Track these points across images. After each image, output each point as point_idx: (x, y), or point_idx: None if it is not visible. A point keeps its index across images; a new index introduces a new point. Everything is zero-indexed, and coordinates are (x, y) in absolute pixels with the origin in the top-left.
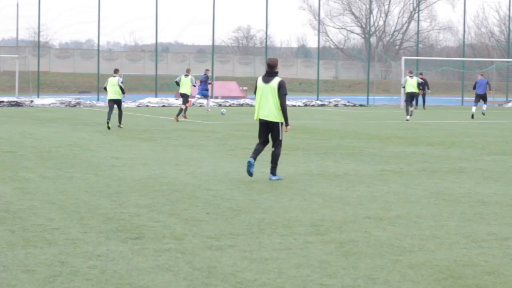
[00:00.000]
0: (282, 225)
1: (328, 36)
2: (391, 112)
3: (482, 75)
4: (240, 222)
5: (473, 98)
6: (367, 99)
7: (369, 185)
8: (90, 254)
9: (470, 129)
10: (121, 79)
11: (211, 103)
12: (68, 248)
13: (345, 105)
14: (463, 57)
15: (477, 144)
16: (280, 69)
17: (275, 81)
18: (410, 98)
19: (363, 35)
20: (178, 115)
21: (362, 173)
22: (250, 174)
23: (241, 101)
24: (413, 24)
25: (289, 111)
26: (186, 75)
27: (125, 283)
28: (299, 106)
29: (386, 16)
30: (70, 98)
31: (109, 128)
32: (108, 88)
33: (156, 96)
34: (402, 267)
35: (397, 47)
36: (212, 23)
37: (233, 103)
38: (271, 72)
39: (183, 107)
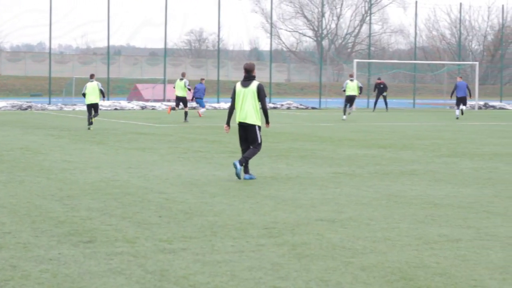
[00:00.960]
0: (235, 227)
1: (281, 39)
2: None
3: (461, 78)
4: (193, 225)
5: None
6: (320, 101)
7: (321, 187)
8: (41, 258)
9: (422, 132)
10: (100, 84)
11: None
12: (20, 252)
13: (297, 108)
14: (415, 59)
15: (428, 146)
16: (231, 71)
17: (254, 84)
18: (350, 100)
19: (315, 38)
20: (172, 110)
21: (315, 176)
22: (239, 176)
23: (193, 104)
24: (365, 27)
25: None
26: (181, 79)
27: (77, 287)
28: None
29: (338, 19)
30: (22, 102)
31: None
32: (87, 93)
33: (108, 99)
34: (354, 269)
35: (349, 50)
36: (164, 26)
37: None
38: (249, 77)
39: (186, 109)
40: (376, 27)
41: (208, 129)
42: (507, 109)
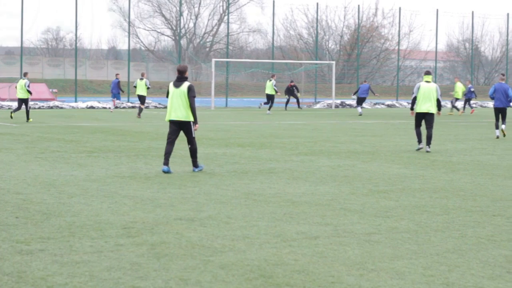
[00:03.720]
0: (93, 228)
1: (139, 38)
2: (202, 114)
3: (365, 81)
4: (50, 225)
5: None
6: None
7: (180, 186)
8: None
9: (279, 131)
10: (28, 82)
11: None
12: None
13: (156, 106)
14: (272, 59)
15: (286, 145)
16: (90, 71)
17: (185, 85)
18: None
19: (173, 37)
20: (139, 113)
21: (173, 175)
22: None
23: (51, 103)
24: (223, 27)
25: (100, 113)
26: (141, 79)
27: None
28: (109, 108)
29: (196, 18)
30: None
31: (11, 118)
32: (17, 88)
33: None
34: (213, 267)
35: (207, 49)
36: (20, 25)
37: (43, 106)
38: (181, 78)
39: (142, 106)
40: (234, 27)
41: (66, 129)
42: (363, 107)
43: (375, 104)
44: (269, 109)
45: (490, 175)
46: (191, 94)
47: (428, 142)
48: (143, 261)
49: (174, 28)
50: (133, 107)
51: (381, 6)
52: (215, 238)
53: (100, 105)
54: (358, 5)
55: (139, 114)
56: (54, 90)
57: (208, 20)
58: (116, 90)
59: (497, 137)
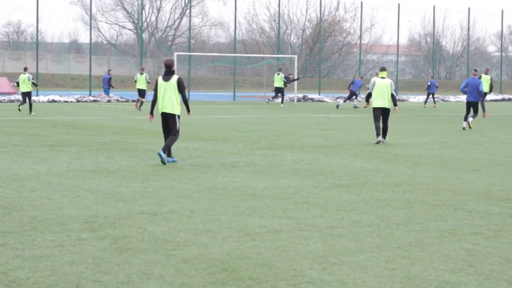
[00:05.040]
0: (55, 222)
1: (101, 32)
2: None
3: (362, 77)
4: (12, 220)
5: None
6: None
7: (142, 180)
8: None
9: (242, 124)
10: (31, 76)
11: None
12: None
13: (117, 100)
14: (235, 53)
15: (249, 139)
16: (51, 65)
17: (174, 78)
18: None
19: (135, 31)
20: (140, 106)
21: (136, 169)
22: (164, 162)
23: (12, 97)
24: (185, 20)
25: (60, 106)
26: (141, 73)
27: None
28: (71, 102)
29: (158, 11)
30: None
31: (19, 110)
32: (20, 83)
33: None
34: (176, 261)
35: (169, 43)
36: None
37: (4, 99)
38: (169, 72)
39: (143, 100)
40: (196, 20)
41: (28, 123)
42: (325, 101)
43: (337, 97)
44: (282, 103)
45: (452, 169)
46: (181, 86)
47: (384, 134)
48: (105, 255)
49: (136, 21)
50: (94, 100)
51: (343, 0)
52: (178, 232)
53: (61, 98)
54: None
55: (140, 107)
56: (15, 84)
57: (170, 13)
58: (107, 85)
59: (464, 129)
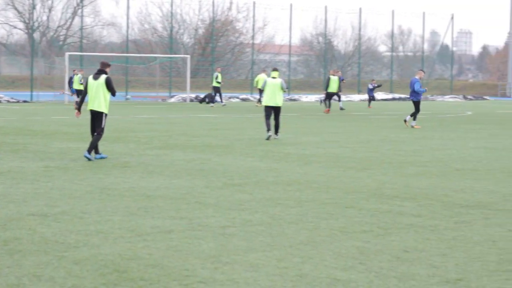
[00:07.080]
0: None
1: None
2: (56, 108)
3: (338, 72)
4: None
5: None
6: (31, 95)
7: (33, 182)
8: None
9: (134, 125)
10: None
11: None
12: None
13: (8, 101)
14: (127, 52)
15: (141, 139)
16: None
17: (102, 78)
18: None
19: (26, 31)
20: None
21: (26, 170)
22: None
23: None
24: (77, 20)
25: None
26: (77, 75)
27: None
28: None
29: (50, 11)
30: None
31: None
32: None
33: None
34: (67, 263)
35: (61, 42)
36: None
37: None
38: (99, 71)
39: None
40: (88, 20)
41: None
42: (216, 101)
43: (229, 97)
44: (213, 103)
45: (343, 167)
46: (110, 86)
47: (276, 131)
48: None
49: (27, 21)
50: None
51: (235, 0)
52: (69, 234)
53: None
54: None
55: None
56: None
57: (62, 13)
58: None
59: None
